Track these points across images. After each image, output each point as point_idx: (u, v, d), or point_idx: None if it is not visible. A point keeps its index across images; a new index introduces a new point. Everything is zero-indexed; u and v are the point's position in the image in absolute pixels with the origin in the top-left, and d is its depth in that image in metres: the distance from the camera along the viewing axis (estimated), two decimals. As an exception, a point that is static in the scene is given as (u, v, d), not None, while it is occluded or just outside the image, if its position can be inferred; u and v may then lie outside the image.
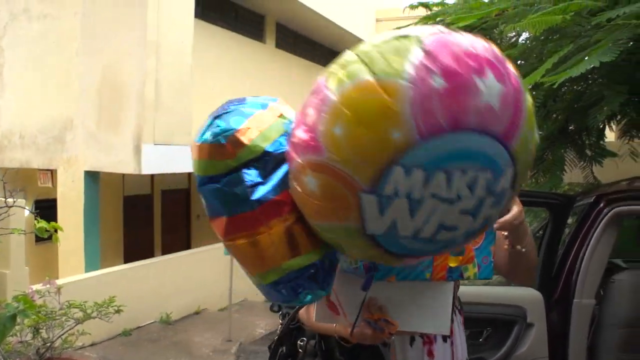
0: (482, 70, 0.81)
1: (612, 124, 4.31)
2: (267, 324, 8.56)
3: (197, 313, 9.17)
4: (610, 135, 5.67)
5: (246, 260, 1.09)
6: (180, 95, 8.47)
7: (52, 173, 8.78)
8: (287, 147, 1.01)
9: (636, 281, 2.10)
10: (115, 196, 10.19)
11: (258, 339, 8.09)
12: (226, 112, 1.05)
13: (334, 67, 0.92)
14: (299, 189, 0.94)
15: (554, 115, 3.97)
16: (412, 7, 4.97)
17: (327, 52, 15.93)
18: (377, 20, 15.71)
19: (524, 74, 3.16)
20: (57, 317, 4.82)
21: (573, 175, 4.48)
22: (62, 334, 4.90)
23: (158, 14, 7.91)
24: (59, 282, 5.80)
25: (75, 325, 4.96)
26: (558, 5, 2.87)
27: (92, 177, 8.36)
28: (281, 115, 1.09)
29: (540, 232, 2.81)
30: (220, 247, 9.01)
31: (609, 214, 2.03)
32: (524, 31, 3.70)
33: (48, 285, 5.04)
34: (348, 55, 0.90)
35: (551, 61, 2.70)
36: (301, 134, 0.93)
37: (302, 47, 14.47)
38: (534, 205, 2.65)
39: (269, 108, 1.09)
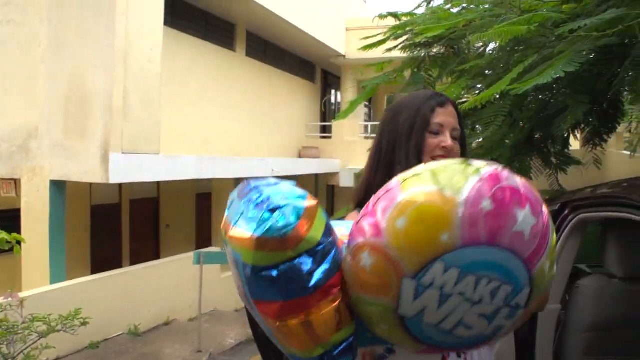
0: (522, 204, 1.02)
1: (576, 132, 4.39)
2: (237, 333, 8.50)
3: (166, 324, 9.05)
4: (575, 144, 5.79)
5: (296, 338, 1.15)
6: (149, 103, 8.38)
7: (16, 182, 8.59)
8: (351, 228, 1.19)
9: (600, 286, 2.14)
10: (82, 206, 10.02)
11: (228, 349, 8.03)
12: (283, 206, 1.10)
13: (408, 173, 1.11)
14: (353, 263, 1.11)
15: (521, 124, 4.03)
16: (382, 16, 5.00)
17: (298, 61, 15.99)
18: (347, 30, 15.82)
19: (491, 83, 3.22)
20: (19, 332, 4.69)
21: (539, 182, 4.55)
22: (25, 349, 4.78)
23: (127, 21, 7.83)
24: (22, 294, 5.66)
25: (39, 340, 4.84)
26: (523, 16, 2.93)
27: (58, 187, 8.20)
28: (318, 204, 1.17)
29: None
30: (189, 256, 8.93)
31: (573, 221, 2.07)
32: (491, 41, 3.76)
33: (10, 299, 4.91)
34: (422, 168, 1.10)
35: (516, 71, 2.75)
36: (370, 220, 1.10)
37: (272, 55, 14.48)
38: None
39: (309, 197, 1.17)
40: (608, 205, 1.89)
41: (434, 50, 4.55)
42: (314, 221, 1.12)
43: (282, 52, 15.02)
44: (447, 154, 1.46)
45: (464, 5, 4.16)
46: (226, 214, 1.24)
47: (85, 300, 6.45)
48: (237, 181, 11.59)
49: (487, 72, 4.14)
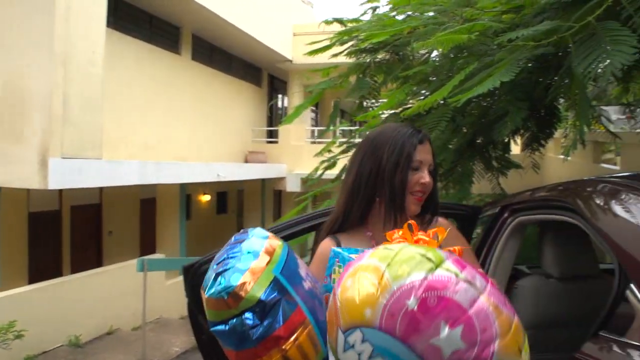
0: (453, 322, 1.00)
1: (516, 137, 4.54)
2: (183, 341, 8.35)
3: (109, 333, 8.82)
4: (515, 149, 5.99)
5: None
6: (91, 107, 8.15)
7: (-52, 189, 8.20)
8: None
9: (537, 286, 2.22)
10: (19, 213, 9.63)
11: (174, 357, 7.88)
12: (226, 270, 1.27)
13: (384, 245, 1.19)
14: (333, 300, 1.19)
15: (463, 130, 4.13)
16: (327, 22, 5.04)
17: (244, 65, 15.90)
18: (294, 35, 15.85)
19: (435, 89, 3.29)
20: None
21: (482, 186, 4.68)
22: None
23: (66, 22, 7.60)
24: (-47, 306, 5.40)
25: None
26: (465, 25, 3.00)
27: (-7, 193, 7.87)
28: (269, 262, 1.32)
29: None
30: (133, 263, 8.73)
31: (513, 223, 2.13)
32: (433, 49, 3.84)
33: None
34: (394, 245, 1.16)
35: (458, 78, 2.81)
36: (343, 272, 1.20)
37: (218, 59, 14.34)
38: (443, 216, 2.75)
39: (260, 257, 1.32)
40: (545, 208, 1.96)
41: (379, 56, 4.62)
42: (256, 280, 1.26)
43: (229, 56, 14.91)
44: (424, 189, 1.55)
45: (409, 12, 4.24)
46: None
47: (21, 312, 6.21)
48: (182, 187, 11.45)
49: (431, 78, 4.22)
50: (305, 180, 5.89)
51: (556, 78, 3.40)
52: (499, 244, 2.20)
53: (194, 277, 2.26)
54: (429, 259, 1.08)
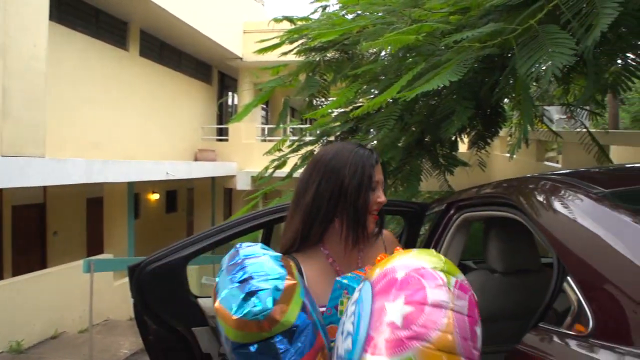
0: (410, 302, 1.11)
1: (462, 136, 4.64)
2: (132, 343, 8.19)
3: (54, 337, 8.57)
4: (462, 147, 6.12)
5: None
6: (33, 103, 7.89)
7: None
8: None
9: (482, 280, 2.28)
10: (-44, 214, 9.25)
11: (122, 360, 7.72)
12: (258, 290, 1.22)
13: None
14: None
15: (412, 128, 4.20)
16: (277, 20, 5.04)
17: (194, 62, 15.70)
18: (245, 32, 15.74)
19: (385, 88, 3.33)
20: None
21: (430, 184, 4.77)
22: None
23: (5, 14, 7.31)
24: None
25: None
26: (412, 26, 3.06)
27: None
28: (296, 285, 1.29)
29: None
30: (79, 264, 8.49)
31: (458, 220, 2.19)
32: (382, 49, 3.89)
33: None
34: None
35: (406, 78, 2.86)
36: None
37: (168, 56, 14.12)
38: (391, 213, 2.80)
39: (287, 279, 1.28)
40: (489, 205, 2.02)
41: (329, 54, 4.64)
42: (289, 304, 1.24)
43: (178, 53, 14.69)
44: (380, 207, 1.60)
45: (358, 12, 4.28)
46: (217, 279, 1.36)
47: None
48: (131, 185, 11.22)
49: (380, 77, 4.27)
50: (256, 179, 5.87)
51: (501, 78, 3.50)
52: (445, 240, 2.25)
53: (139, 277, 2.23)
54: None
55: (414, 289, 1.12)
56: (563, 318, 1.37)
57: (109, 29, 11.60)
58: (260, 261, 1.32)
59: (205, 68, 16.63)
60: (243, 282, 1.25)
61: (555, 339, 1.36)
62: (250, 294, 1.21)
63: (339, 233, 1.59)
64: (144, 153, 12.27)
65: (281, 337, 1.21)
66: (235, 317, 1.20)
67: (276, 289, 1.23)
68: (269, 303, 1.20)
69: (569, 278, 1.38)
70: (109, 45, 11.43)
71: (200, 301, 2.56)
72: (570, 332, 1.32)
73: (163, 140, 13.57)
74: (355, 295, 1.28)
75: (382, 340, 1.09)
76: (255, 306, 1.19)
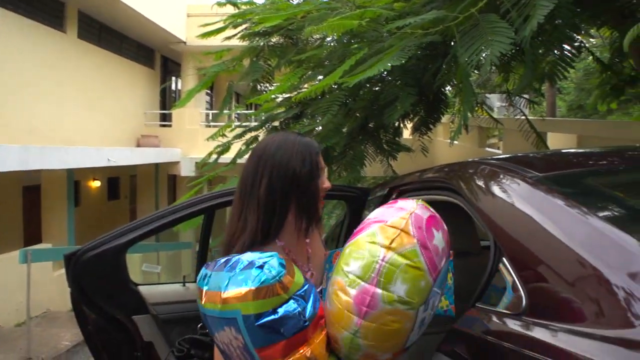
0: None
1: (405, 122, 4.71)
2: (73, 335, 7.97)
3: (-11, 331, 8.24)
4: (406, 133, 6.21)
5: None
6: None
7: None
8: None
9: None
10: None
11: (63, 352, 7.50)
12: (268, 261, 1.31)
13: None
14: None
15: (356, 114, 4.23)
16: (220, 4, 4.97)
17: (136, 46, 15.28)
18: (188, 16, 15.43)
19: (329, 73, 3.34)
20: None
21: (374, 169, 4.83)
22: None
23: None
24: None
25: None
26: (356, 11, 3.06)
27: None
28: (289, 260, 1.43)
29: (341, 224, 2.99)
30: (14, 255, 8.19)
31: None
32: (325, 34, 3.89)
33: None
34: None
35: (348, 63, 2.87)
36: None
37: (108, 39, 13.67)
38: (334, 198, 2.82)
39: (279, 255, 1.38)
40: (430, 189, 2.05)
41: (273, 40, 4.61)
42: (293, 269, 1.35)
43: (119, 36, 14.25)
44: (325, 193, 1.64)
45: (303, -3, 4.26)
46: (205, 287, 1.38)
47: None
48: (70, 172, 10.85)
49: (325, 62, 4.27)
50: (200, 165, 5.78)
51: (444, 65, 3.56)
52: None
53: (76, 266, 2.18)
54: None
55: (392, 202, 1.47)
56: (499, 298, 1.41)
57: (44, 9, 11.10)
58: (247, 254, 1.39)
59: (148, 52, 16.21)
60: (247, 266, 1.32)
61: (491, 318, 1.40)
62: (260, 267, 1.29)
63: (294, 223, 1.59)
64: (84, 139, 11.88)
65: (297, 297, 1.30)
66: (253, 287, 1.26)
67: (279, 258, 1.33)
68: (280, 268, 1.30)
69: (504, 259, 1.42)
70: (44, 26, 10.95)
71: (142, 289, 2.52)
72: (505, 311, 1.36)
73: (104, 125, 13.17)
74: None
75: (359, 229, 1.39)
76: (270, 272, 1.28)
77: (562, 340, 1.14)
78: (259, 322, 1.26)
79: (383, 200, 2.35)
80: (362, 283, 1.26)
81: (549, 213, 1.38)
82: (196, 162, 6.14)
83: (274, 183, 1.56)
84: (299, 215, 1.59)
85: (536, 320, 1.23)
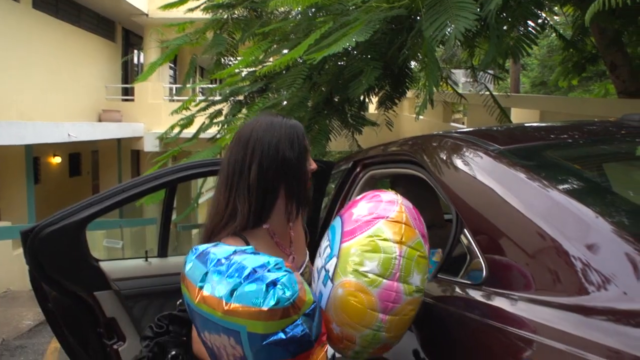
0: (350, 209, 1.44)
1: (371, 96, 4.70)
2: (36, 314, 7.84)
3: (-55, 311, 8.04)
4: (371, 108, 6.22)
5: None
6: None
7: None
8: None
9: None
10: None
11: (25, 332, 7.37)
12: (281, 278, 1.23)
13: None
14: None
15: (321, 88, 4.21)
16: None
17: (96, 17, 14.85)
18: (150, -13, 15.04)
19: (294, 47, 3.30)
20: None
21: (339, 143, 4.83)
22: None
23: None
24: None
25: None
26: (321, -17, 3.03)
27: None
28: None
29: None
30: (-27, 232, 7.97)
31: (364, 177, 2.22)
32: (289, 7, 3.83)
33: None
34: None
35: (313, 37, 2.84)
36: None
37: (65, 9, 13.22)
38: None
39: (284, 263, 1.31)
40: (394, 162, 2.06)
41: (237, 12, 4.53)
42: (304, 287, 1.28)
43: (77, 7, 13.79)
44: (310, 175, 1.65)
45: (268, -33, 4.18)
46: (199, 285, 1.31)
47: None
48: (28, 148, 10.57)
49: (290, 36, 4.23)
50: (162, 139, 5.69)
51: (409, 40, 3.55)
52: (351, 197, 2.28)
53: (34, 242, 2.13)
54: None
55: (371, 196, 1.44)
56: (460, 268, 1.44)
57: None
58: (247, 255, 1.33)
59: (108, 24, 15.76)
60: (248, 276, 1.25)
61: (452, 287, 1.42)
62: (273, 284, 1.23)
63: (283, 207, 1.58)
64: (42, 114, 11.54)
65: (305, 316, 1.25)
66: (265, 308, 1.20)
67: (291, 275, 1.26)
68: (295, 286, 1.23)
69: (465, 231, 1.43)
70: (-4, -6, 10.53)
71: (103, 265, 2.48)
72: (466, 282, 1.39)
73: (63, 100, 12.82)
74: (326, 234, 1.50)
75: (354, 228, 1.36)
76: (284, 292, 1.21)
77: (521, 308, 1.17)
78: (265, 342, 1.23)
79: (347, 174, 2.35)
80: (385, 280, 1.26)
81: (509, 185, 1.40)
82: (158, 137, 6.03)
83: (265, 168, 1.54)
84: (289, 199, 1.58)
85: (496, 290, 1.26)
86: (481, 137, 1.76)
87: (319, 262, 1.43)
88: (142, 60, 17.82)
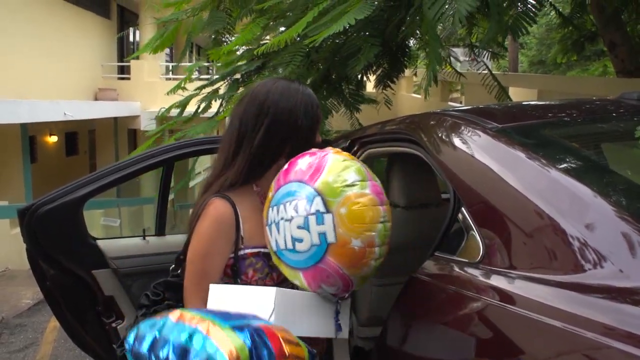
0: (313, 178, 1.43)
1: (369, 74, 4.68)
2: (35, 292, 7.86)
3: (-56, 290, 8.06)
4: (369, 86, 6.18)
5: None
6: None
7: None
8: None
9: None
10: None
11: (24, 310, 7.41)
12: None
13: None
14: None
15: (319, 65, 4.18)
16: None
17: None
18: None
19: (290, 25, 3.27)
20: None
21: (341, 122, 4.82)
22: None
23: None
24: None
25: None
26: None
27: None
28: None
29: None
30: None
31: (362, 156, 2.21)
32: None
33: None
34: None
35: (311, 14, 2.81)
36: None
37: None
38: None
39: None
40: (392, 141, 2.05)
41: (234, -12, 4.48)
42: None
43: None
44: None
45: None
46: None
47: None
48: (24, 127, 10.50)
49: (288, 13, 4.18)
50: (159, 119, 5.66)
51: (408, 17, 3.52)
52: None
53: (31, 221, 2.13)
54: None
55: (298, 157, 1.49)
56: (457, 247, 1.44)
57: None
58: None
59: (103, 1, 15.58)
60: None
61: (449, 265, 1.43)
62: None
63: (278, 171, 1.57)
64: (38, 92, 11.44)
65: None
66: None
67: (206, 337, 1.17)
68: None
69: (463, 209, 1.43)
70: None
71: (101, 243, 2.48)
72: (463, 259, 1.39)
73: (59, 78, 12.70)
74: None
75: (312, 171, 1.42)
76: None
77: (517, 286, 1.17)
78: None
79: (345, 151, 2.35)
80: (367, 181, 1.40)
81: (507, 163, 1.39)
82: (156, 116, 5.99)
83: (274, 131, 1.55)
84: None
85: (493, 268, 1.26)
86: (479, 115, 1.75)
87: (298, 219, 1.38)
88: (137, 38, 17.63)
